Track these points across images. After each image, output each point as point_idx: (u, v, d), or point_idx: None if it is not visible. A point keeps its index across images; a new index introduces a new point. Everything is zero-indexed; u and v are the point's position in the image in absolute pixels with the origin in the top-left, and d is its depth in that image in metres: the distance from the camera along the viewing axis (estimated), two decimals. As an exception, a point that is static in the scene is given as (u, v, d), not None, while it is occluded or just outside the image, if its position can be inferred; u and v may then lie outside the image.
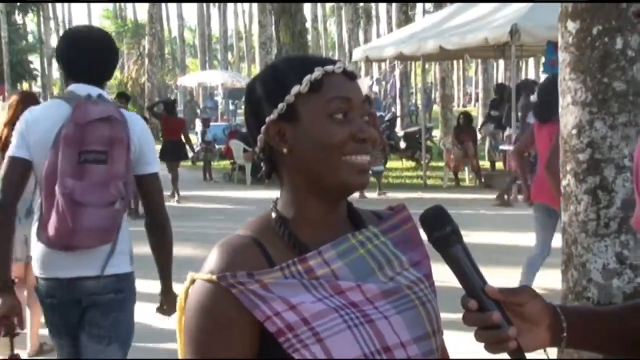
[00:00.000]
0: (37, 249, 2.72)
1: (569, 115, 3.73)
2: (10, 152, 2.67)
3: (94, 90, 2.71)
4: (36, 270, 2.76)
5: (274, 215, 1.19)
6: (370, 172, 4.26)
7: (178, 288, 1.44)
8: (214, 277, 1.10)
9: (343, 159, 1.14)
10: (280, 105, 1.16)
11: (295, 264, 1.12)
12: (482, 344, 1.14)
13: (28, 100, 5.05)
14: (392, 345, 1.11)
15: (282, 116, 1.16)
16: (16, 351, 3.01)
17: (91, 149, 2.59)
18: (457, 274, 1.14)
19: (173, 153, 11.48)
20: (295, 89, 1.15)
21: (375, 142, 1.18)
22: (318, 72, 1.15)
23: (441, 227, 1.14)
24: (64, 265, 2.66)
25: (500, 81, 28.88)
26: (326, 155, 1.14)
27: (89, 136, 2.59)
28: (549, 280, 5.21)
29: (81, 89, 2.70)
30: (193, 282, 1.14)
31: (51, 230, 2.59)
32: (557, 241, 4.16)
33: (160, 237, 2.82)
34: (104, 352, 2.71)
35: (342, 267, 1.14)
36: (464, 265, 1.14)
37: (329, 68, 1.16)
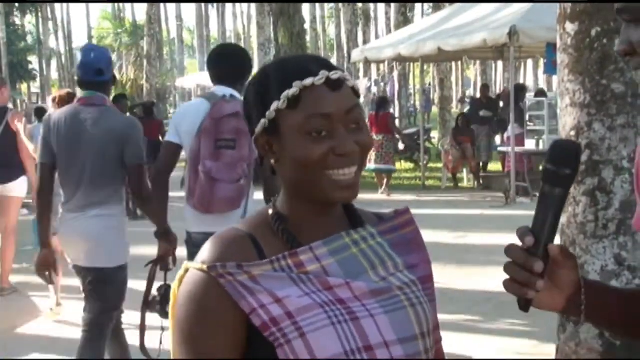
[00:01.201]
0: (187, 211, 3.49)
1: (567, 117, 3.74)
2: (166, 137, 3.55)
3: (228, 91, 3.47)
4: (189, 226, 3.51)
5: (271, 211, 1.21)
6: (377, 168, 4.30)
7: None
8: (204, 267, 1.12)
9: (325, 174, 1.14)
10: (263, 121, 1.16)
11: (285, 257, 1.13)
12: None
13: (65, 101, 5.47)
14: (374, 344, 1.10)
15: (266, 129, 1.17)
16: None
17: (223, 137, 3.35)
18: (537, 211, 1.11)
19: (148, 152, 11.67)
20: (274, 105, 1.14)
21: (365, 148, 1.16)
22: (295, 88, 1.13)
23: (562, 164, 1.09)
24: (210, 223, 3.36)
25: (499, 82, 28.91)
26: (306, 171, 1.14)
27: (222, 128, 3.35)
28: (547, 281, 5.22)
29: (219, 90, 3.49)
30: (186, 270, 1.16)
31: (196, 198, 3.38)
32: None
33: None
34: None
35: (332, 263, 1.15)
36: (549, 209, 1.10)
37: (307, 82, 1.13)
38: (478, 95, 16.66)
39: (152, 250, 3.61)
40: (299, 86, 1.13)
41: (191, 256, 3.48)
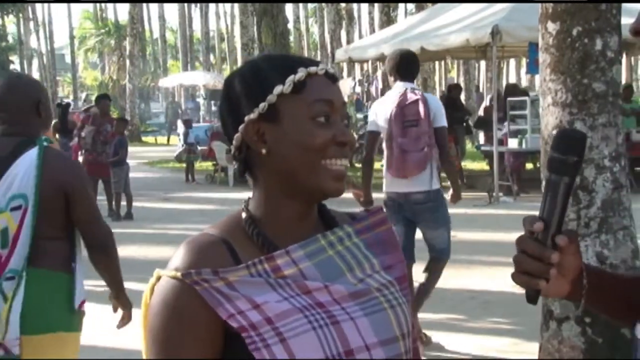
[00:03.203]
0: (386, 177, 4.72)
1: (549, 116, 3.76)
2: (368, 128, 4.95)
3: (409, 85, 4.68)
4: (387, 188, 4.72)
5: (244, 215, 1.18)
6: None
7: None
8: (178, 274, 1.08)
9: (322, 163, 1.14)
10: (262, 105, 1.14)
11: (261, 262, 1.10)
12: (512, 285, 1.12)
13: None
14: (355, 348, 1.09)
15: (262, 115, 1.14)
16: None
17: (408, 119, 4.56)
18: (544, 200, 1.10)
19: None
20: (278, 89, 1.13)
21: (353, 145, 1.18)
22: (301, 73, 1.14)
23: (569, 152, 1.08)
24: (402, 185, 4.63)
25: (482, 82, 29.00)
26: (306, 158, 1.13)
27: (407, 112, 4.55)
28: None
29: (401, 85, 4.66)
30: (158, 278, 1.12)
31: (393, 166, 4.60)
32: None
33: (447, 169, 5.06)
34: (437, 232, 4.69)
35: (309, 267, 1.13)
36: (557, 198, 1.08)
37: (312, 69, 1.15)
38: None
39: (139, 252, 3.58)
40: (304, 72, 1.14)
41: (387, 209, 4.62)
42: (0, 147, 2.55)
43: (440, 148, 4.67)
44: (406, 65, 4.69)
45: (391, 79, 4.77)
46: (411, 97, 4.55)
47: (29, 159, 2.49)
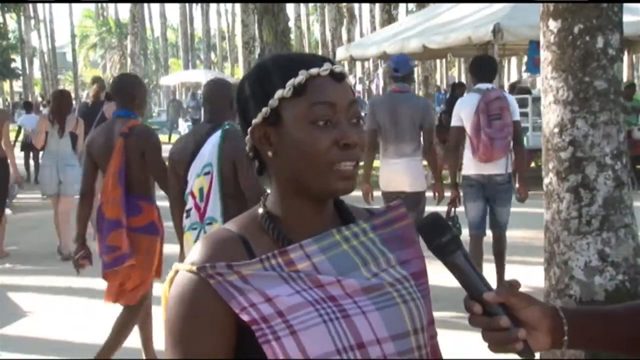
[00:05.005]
0: (469, 161, 5.48)
1: (550, 114, 3.75)
2: (452, 123, 5.55)
3: (488, 85, 5.44)
4: (467, 171, 5.51)
5: (261, 210, 1.20)
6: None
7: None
8: (194, 268, 1.11)
9: (328, 166, 1.13)
10: (264, 109, 1.15)
11: (275, 256, 1.12)
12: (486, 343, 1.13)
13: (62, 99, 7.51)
14: (366, 342, 1.10)
15: (266, 119, 1.16)
16: None
17: (492, 113, 5.29)
18: (460, 280, 1.15)
19: None
20: (279, 93, 1.14)
21: (363, 145, 1.16)
22: (301, 76, 1.14)
23: (439, 235, 1.14)
24: (485, 168, 5.40)
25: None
26: (310, 162, 1.13)
27: (491, 107, 5.29)
28: (532, 278, 5.24)
29: (482, 85, 5.42)
30: (177, 272, 1.15)
31: (480, 152, 5.30)
32: (540, 239, 4.17)
33: (519, 155, 5.56)
34: (505, 209, 5.49)
35: (323, 261, 1.14)
36: (466, 271, 1.14)
37: (314, 71, 1.14)
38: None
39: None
40: (305, 74, 1.14)
41: (465, 195, 5.56)
42: (201, 130, 3.55)
43: (515, 138, 5.40)
44: (482, 68, 5.55)
45: (472, 79, 5.66)
46: (493, 95, 5.33)
47: (216, 137, 3.39)
